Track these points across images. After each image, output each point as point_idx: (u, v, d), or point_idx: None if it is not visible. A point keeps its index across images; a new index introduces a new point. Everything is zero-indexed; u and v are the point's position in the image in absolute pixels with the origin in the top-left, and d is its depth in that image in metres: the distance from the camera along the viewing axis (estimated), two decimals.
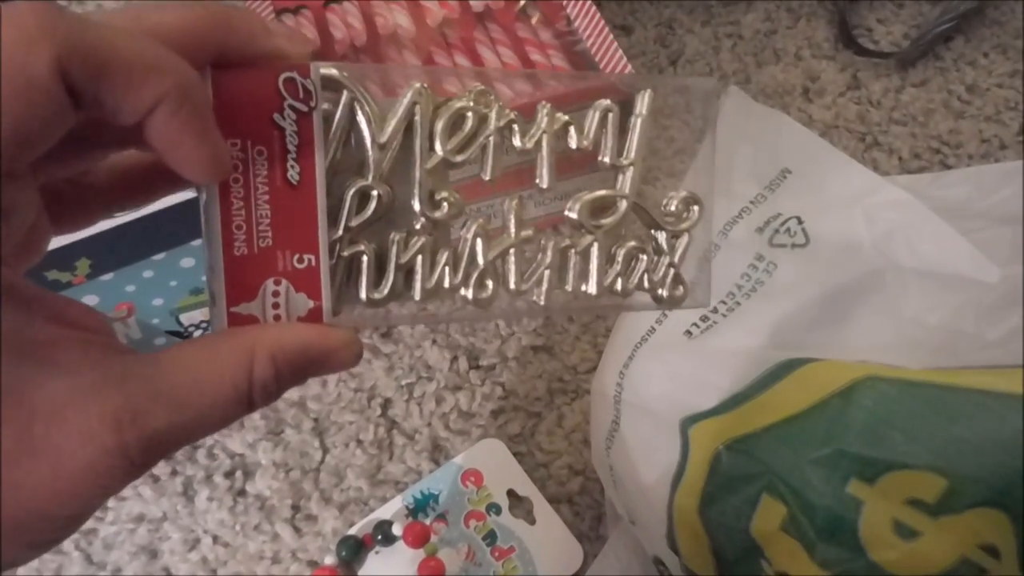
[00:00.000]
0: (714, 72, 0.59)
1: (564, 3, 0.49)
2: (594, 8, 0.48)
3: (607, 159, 0.27)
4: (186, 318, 0.46)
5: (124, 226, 0.39)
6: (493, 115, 0.25)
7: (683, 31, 0.62)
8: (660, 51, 0.61)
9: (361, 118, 0.24)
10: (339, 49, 0.51)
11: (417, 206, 0.24)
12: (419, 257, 0.24)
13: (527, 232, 0.26)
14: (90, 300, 0.42)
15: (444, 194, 0.24)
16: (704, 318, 0.34)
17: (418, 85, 0.24)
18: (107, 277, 0.42)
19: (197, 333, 0.47)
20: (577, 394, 0.46)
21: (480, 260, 0.25)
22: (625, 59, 0.45)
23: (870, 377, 0.29)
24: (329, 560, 0.42)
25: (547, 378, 0.47)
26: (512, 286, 0.25)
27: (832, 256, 0.32)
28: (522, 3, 0.52)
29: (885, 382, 0.28)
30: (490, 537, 0.43)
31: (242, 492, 0.45)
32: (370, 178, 0.24)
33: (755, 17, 0.62)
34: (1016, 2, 0.61)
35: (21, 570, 0.43)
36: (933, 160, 0.54)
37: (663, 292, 0.27)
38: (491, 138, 0.25)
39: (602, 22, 0.47)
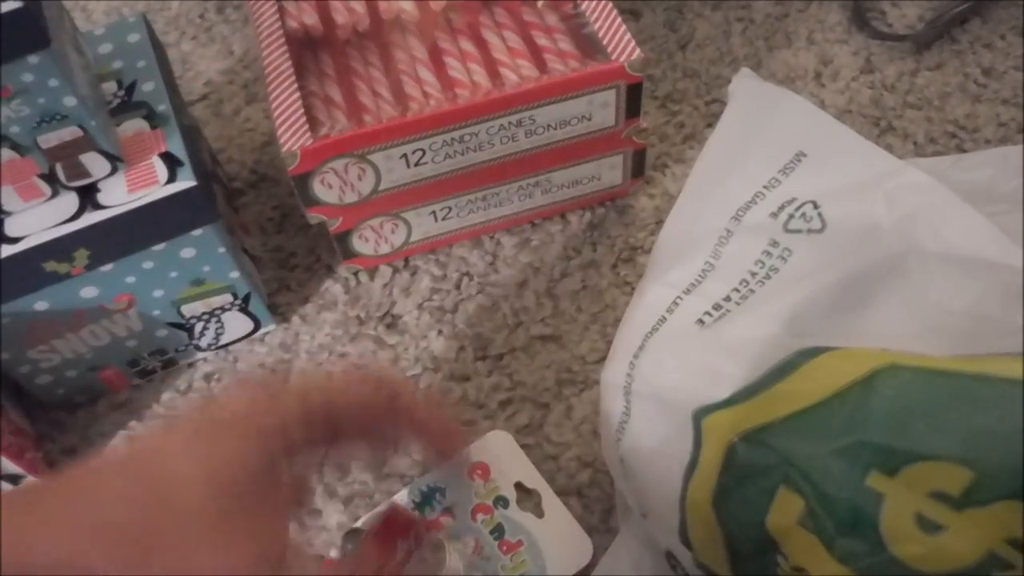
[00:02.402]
0: (724, 57, 0.58)
1: None
2: None
3: None
4: (187, 310, 0.45)
5: (123, 216, 0.39)
6: None
7: (693, 15, 0.60)
8: (669, 35, 0.59)
9: None
10: (342, 34, 0.50)
11: None
12: None
13: None
14: (89, 291, 0.42)
15: None
16: (717, 306, 0.33)
17: None
18: (106, 268, 0.41)
19: (198, 325, 0.46)
20: (586, 385, 0.45)
21: None
22: (634, 43, 0.44)
23: (892, 365, 0.27)
24: (335, 554, 0.41)
25: (555, 368, 0.46)
26: None
27: (850, 241, 0.31)
28: None
29: (908, 370, 0.27)
30: (498, 531, 0.42)
31: None
32: None
33: (766, 0, 0.61)
34: None
35: None
36: (949, 145, 0.53)
37: None
38: None
39: (610, 5, 0.46)
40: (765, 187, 0.34)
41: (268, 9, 0.48)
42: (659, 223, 0.51)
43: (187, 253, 0.42)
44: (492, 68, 0.47)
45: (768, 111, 0.36)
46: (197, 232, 0.42)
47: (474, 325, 0.48)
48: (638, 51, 0.43)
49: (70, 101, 0.36)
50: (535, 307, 0.48)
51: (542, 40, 0.48)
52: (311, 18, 0.49)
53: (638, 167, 0.51)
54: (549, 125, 0.45)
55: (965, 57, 0.56)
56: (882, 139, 0.54)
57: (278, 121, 0.42)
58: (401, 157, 0.44)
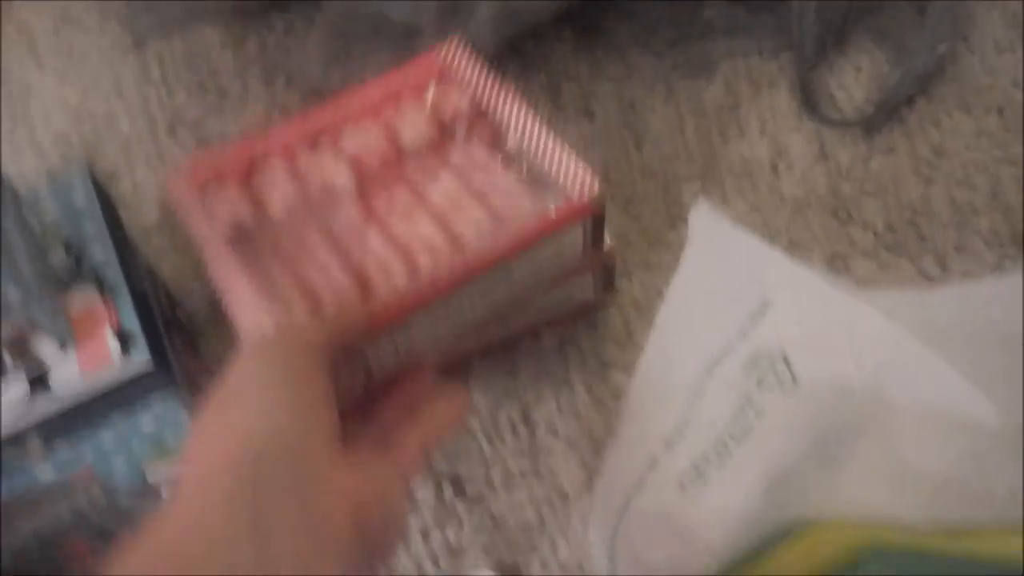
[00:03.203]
0: (681, 153, 0.58)
1: (506, 124, 0.45)
2: (541, 128, 0.45)
3: None
4: (151, 473, 0.44)
5: (75, 399, 0.37)
6: None
7: (646, 111, 0.61)
8: (625, 134, 0.59)
9: None
10: (278, 216, 0.45)
11: None
12: None
13: None
14: (46, 472, 0.40)
15: None
16: (696, 468, 0.32)
17: None
18: (63, 449, 0.39)
19: (165, 486, 0.45)
20: (568, 521, 0.44)
21: None
22: (591, 174, 0.42)
23: (875, 546, 0.27)
24: None
25: (536, 504, 0.45)
26: None
27: (822, 399, 0.31)
28: (458, 133, 0.47)
29: (892, 552, 0.27)
30: None
31: None
32: None
33: (716, 91, 0.61)
34: (973, 56, 0.61)
35: None
36: (908, 232, 0.53)
37: None
38: None
39: (552, 139, 0.44)
40: (734, 338, 0.34)
41: (195, 213, 0.44)
42: (630, 336, 0.51)
43: (147, 422, 0.41)
44: (440, 219, 0.44)
45: (730, 255, 0.36)
46: (156, 402, 0.40)
47: (452, 462, 0.47)
48: (597, 184, 0.42)
49: (14, 295, 0.35)
50: (511, 436, 0.47)
51: (479, 179, 0.46)
52: (244, 211, 0.44)
53: (607, 281, 0.50)
54: (523, 275, 0.43)
55: (915, 138, 0.57)
56: (843, 230, 0.54)
57: (244, 330, 0.40)
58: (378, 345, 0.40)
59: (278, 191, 0.45)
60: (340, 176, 0.45)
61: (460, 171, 0.46)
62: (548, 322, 0.51)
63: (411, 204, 0.45)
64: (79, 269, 0.41)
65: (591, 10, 0.59)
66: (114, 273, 0.41)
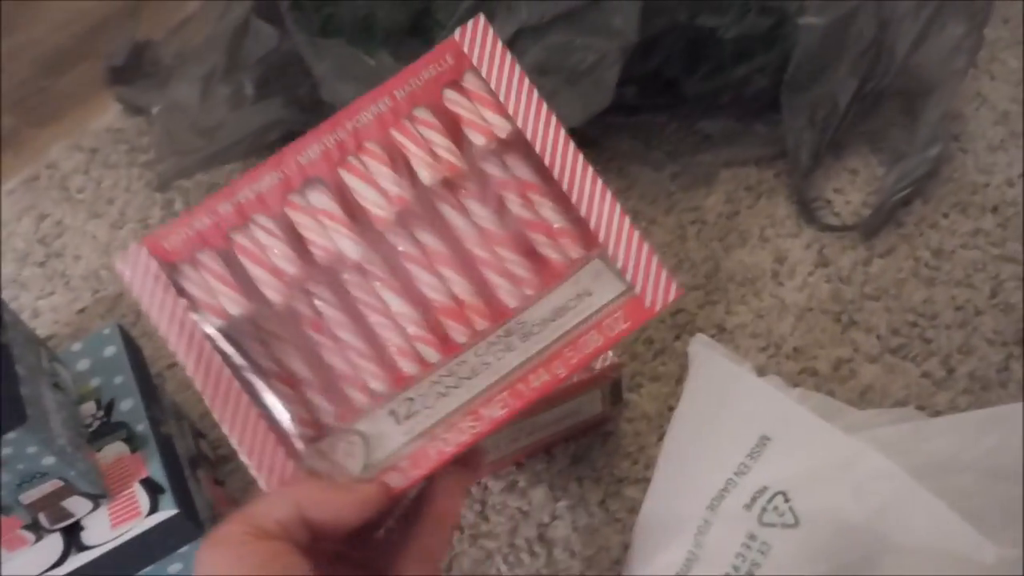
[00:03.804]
0: (683, 263, 0.60)
1: (545, 153, 0.35)
2: (594, 178, 0.36)
3: None
4: None
5: (107, 553, 0.39)
6: None
7: (647, 222, 0.63)
8: None
9: None
10: (272, 294, 0.35)
11: None
12: None
13: None
14: None
15: None
16: None
17: None
18: None
19: None
20: None
21: None
22: (666, 276, 0.34)
23: None
24: None
25: None
26: None
27: (825, 538, 0.32)
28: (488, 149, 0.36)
29: None
30: None
31: None
32: None
33: (716, 200, 0.63)
34: (966, 156, 0.62)
35: None
36: (912, 335, 0.54)
37: None
38: None
39: (619, 211, 0.35)
40: (736, 474, 0.35)
41: (171, 311, 0.35)
42: (642, 449, 0.52)
43: (174, 569, 0.42)
44: (469, 267, 0.36)
45: (728, 390, 0.37)
46: (183, 549, 0.42)
47: None
48: (673, 286, 0.34)
49: (49, 460, 0.37)
50: (529, 557, 0.48)
51: (516, 207, 0.36)
52: (236, 305, 0.35)
53: (616, 395, 0.51)
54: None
55: (913, 240, 0.58)
56: (846, 335, 0.55)
57: (245, 458, 0.33)
58: None
59: (280, 275, 0.35)
60: (349, 249, 0.35)
61: (493, 192, 0.36)
62: (559, 439, 0.52)
63: (437, 245, 0.36)
64: (108, 421, 0.43)
65: (591, 127, 0.61)
66: (142, 425, 0.43)
